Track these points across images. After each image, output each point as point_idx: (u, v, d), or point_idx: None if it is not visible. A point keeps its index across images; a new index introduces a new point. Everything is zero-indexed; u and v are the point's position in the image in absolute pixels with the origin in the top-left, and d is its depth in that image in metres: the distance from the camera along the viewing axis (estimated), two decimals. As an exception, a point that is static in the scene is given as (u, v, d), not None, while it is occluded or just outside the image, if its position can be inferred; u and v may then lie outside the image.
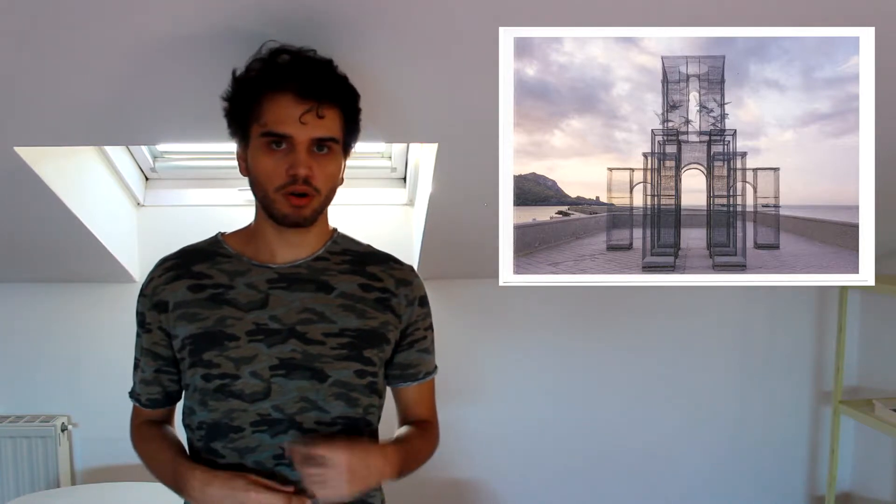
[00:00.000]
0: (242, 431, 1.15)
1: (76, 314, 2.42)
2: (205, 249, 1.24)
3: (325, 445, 1.07)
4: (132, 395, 1.29)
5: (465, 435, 2.47)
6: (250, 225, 1.24)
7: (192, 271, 1.20)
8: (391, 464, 1.13)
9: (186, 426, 1.22)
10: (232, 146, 1.20)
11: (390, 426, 1.29)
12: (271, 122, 1.10)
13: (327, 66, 1.14)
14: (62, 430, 2.37)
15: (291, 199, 1.11)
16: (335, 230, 1.27)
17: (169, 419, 1.31)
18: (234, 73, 1.15)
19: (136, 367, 1.27)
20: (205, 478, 1.11)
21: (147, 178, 2.38)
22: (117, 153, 2.18)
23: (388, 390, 1.30)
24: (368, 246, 1.29)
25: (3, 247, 2.12)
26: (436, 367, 1.32)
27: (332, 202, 1.20)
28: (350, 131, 1.17)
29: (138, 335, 1.25)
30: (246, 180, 1.18)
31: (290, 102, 1.09)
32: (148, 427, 1.27)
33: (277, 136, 1.10)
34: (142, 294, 1.23)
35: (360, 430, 1.19)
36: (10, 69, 1.36)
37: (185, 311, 1.18)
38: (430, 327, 1.30)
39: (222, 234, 1.26)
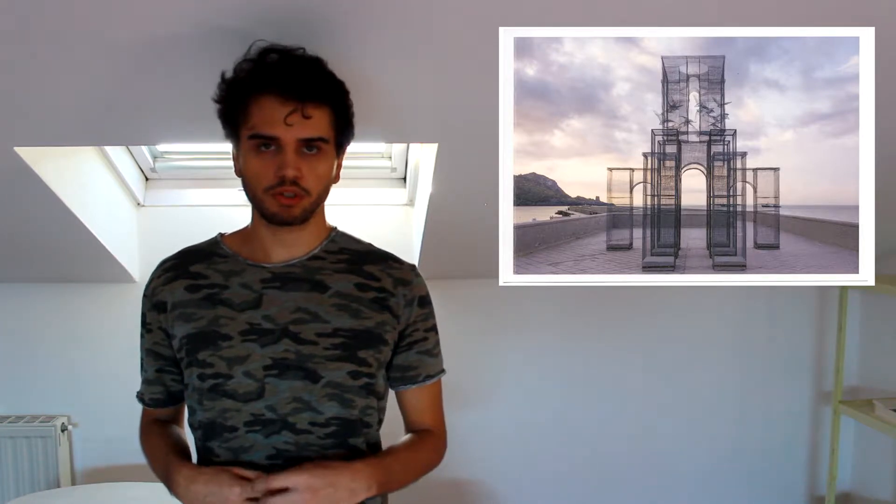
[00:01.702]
0: (236, 431, 1.15)
1: (76, 314, 2.41)
2: (203, 250, 1.24)
3: (286, 472, 1.06)
4: (137, 394, 1.30)
5: (465, 435, 2.46)
6: (248, 225, 1.24)
7: (189, 272, 1.21)
8: (366, 480, 1.09)
9: (190, 425, 1.23)
10: (231, 146, 1.20)
11: (393, 427, 1.30)
12: (258, 125, 1.09)
13: (312, 64, 1.12)
14: (62, 430, 2.37)
15: (280, 199, 1.10)
16: (334, 229, 1.25)
17: (176, 419, 1.31)
18: (222, 75, 1.14)
19: (141, 367, 1.28)
20: (190, 475, 1.10)
21: (147, 178, 2.38)
22: (117, 153, 2.18)
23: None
24: (369, 245, 1.26)
25: (3, 247, 2.11)
26: (442, 370, 1.28)
27: (331, 202, 1.19)
28: (342, 129, 1.15)
29: (142, 336, 1.26)
30: (243, 181, 1.18)
31: (275, 104, 1.08)
32: (152, 425, 1.28)
33: (264, 137, 1.09)
34: (144, 295, 1.25)
35: (356, 432, 1.18)
36: (9, 69, 1.36)
37: (183, 311, 1.18)
38: (433, 329, 1.26)
39: (222, 235, 1.26)
